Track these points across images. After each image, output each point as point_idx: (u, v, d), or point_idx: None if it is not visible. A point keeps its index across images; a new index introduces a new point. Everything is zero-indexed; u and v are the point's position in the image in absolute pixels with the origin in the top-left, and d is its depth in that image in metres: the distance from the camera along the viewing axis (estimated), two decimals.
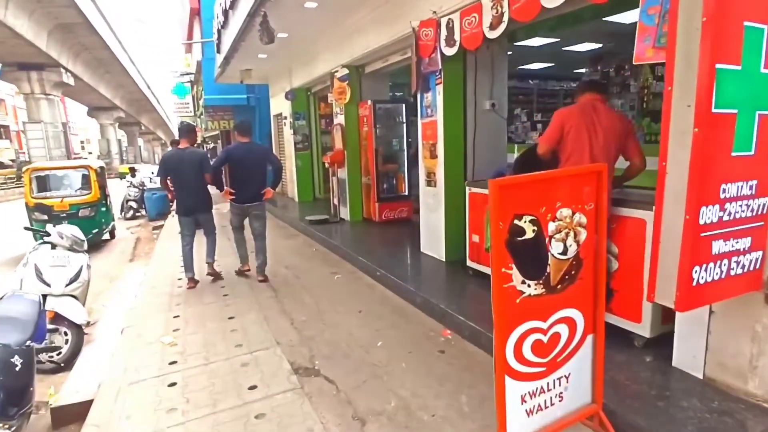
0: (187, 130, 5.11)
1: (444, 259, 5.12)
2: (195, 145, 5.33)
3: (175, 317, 4.33)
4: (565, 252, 2.03)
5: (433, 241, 5.29)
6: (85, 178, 7.97)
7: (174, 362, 3.40)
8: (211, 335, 3.87)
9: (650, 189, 2.46)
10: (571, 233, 2.04)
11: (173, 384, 3.09)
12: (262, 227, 5.18)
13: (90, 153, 50.07)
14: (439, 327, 3.81)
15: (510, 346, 1.96)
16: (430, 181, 5.22)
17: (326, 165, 8.18)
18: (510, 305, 1.94)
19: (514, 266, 1.90)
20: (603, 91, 3.11)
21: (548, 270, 2.00)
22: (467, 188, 4.47)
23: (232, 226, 5.35)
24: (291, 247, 7.02)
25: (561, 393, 2.17)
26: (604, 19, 5.54)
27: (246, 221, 5.24)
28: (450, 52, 4.35)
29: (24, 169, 8.16)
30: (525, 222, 1.89)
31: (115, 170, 26.61)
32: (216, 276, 5.31)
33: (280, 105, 11.19)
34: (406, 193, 7.64)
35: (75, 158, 27.02)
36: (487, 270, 4.33)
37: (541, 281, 1.99)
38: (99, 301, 5.28)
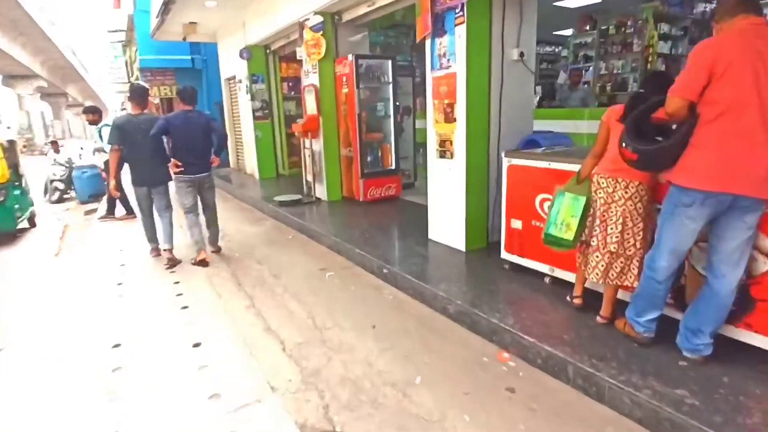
0: (139, 93, 4.60)
1: (464, 249, 4.13)
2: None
3: (114, 347, 3.08)
4: None
5: (447, 227, 4.27)
6: None
7: None
8: (169, 383, 2.69)
9: None
10: None
11: None
12: (214, 197, 4.89)
13: (9, 128, 44.71)
14: (491, 348, 2.82)
15: None
16: (444, 152, 4.15)
17: (297, 135, 6.89)
18: None
19: None
20: (761, 13, 2.13)
21: None
22: (506, 160, 3.45)
23: (183, 209, 4.67)
24: (260, 234, 5.78)
25: None
26: None
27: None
28: None
29: None
30: None
31: (39, 147, 23.47)
32: (176, 263, 4.69)
33: (232, 66, 9.64)
34: (393, 167, 6.54)
35: None
36: (532, 265, 3.38)
37: None
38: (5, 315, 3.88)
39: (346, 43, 6.46)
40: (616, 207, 2.50)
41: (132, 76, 16.05)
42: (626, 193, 2.47)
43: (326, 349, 2.93)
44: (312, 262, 4.58)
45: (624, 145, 2.22)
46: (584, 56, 9.16)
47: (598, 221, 2.57)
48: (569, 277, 3.14)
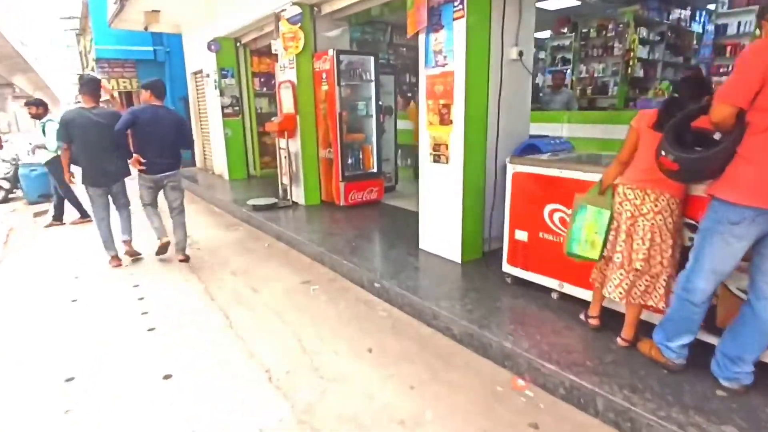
0: (91, 86, 4.29)
1: (460, 261, 3.87)
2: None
3: (67, 381, 2.64)
4: None
5: (442, 237, 4.01)
6: None
7: None
8: (135, 428, 2.29)
9: None
10: None
11: None
12: (181, 198, 4.63)
13: None
14: (504, 375, 2.57)
15: None
16: (439, 156, 3.88)
17: (272, 134, 6.48)
18: None
19: None
20: None
21: None
22: (510, 166, 3.21)
23: (142, 202, 4.55)
24: (233, 242, 5.36)
25: None
26: None
27: (161, 195, 4.63)
28: None
29: None
30: None
31: None
32: (136, 255, 4.68)
33: (199, 59, 9.06)
34: (375, 170, 6.23)
35: None
36: (538, 279, 3.16)
37: None
38: None
39: (324, 37, 6.11)
40: (643, 221, 2.30)
41: (87, 67, 15.05)
42: (656, 206, 2.27)
43: (319, 379, 2.60)
44: (294, 274, 4.22)
45: (663, 153, 2.00)
46: (562, 59, 9.16)
47: (623, 236, 2.35)
48: (580, 293, 2.94)
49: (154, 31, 9.98)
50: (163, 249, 4.56)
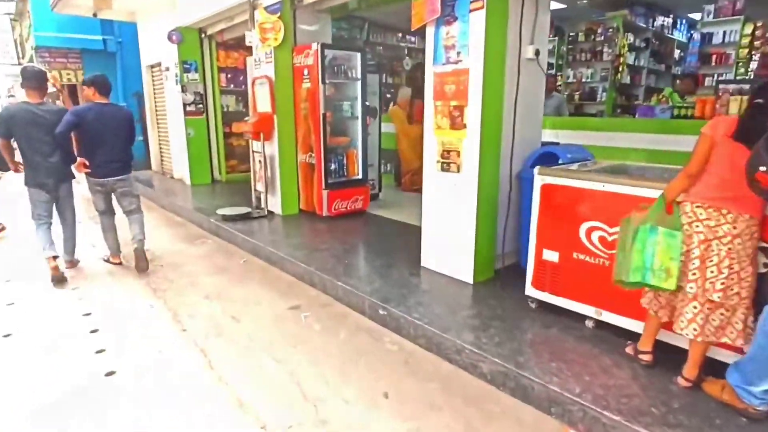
0: (36, 78, 3.96)
1: (471, 281, 3.55)
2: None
3: None
4: None
5: (450, 254, 3.67)
6: None
7: None
8: None
9: None
10: None
11: None
12: (135, 203, 4.42)
13: None
14: (551, 425, 2.24)
15: None
16: (449, 164, 3.55)
17: (245, 136, 5.98)
18: None
19: None
20: None
21: None
22: (539, 177, 2.92)
23: (96, 210, 4.41)
24: (202, 257, 4.82)
25: None
26: None
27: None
28: None
29: None
30: None
31: None
32: (74, 266, 4.41)
33: (157, 51, 8.39)
34: (361, 176, 5.85)
35: None
36: (570, 305, 2.88)
37: None
38: None
39: (304, 31, 5.68)
40: (719, 245, 2.03)
41: (24, 57, 13.88)
42: (734, 228, 2.01)
43: None
44: (279, 298, 3.76)
45: (762, 169, 1.73)
46: (547, 64, 9.09)
47: (697, 262, 2.08)
48: (620, 321, 2.66)
49: (104, 18, 9.19)
50: (115, 264, 4.39)
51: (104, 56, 10.76)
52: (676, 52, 9.49)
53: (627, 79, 8.06)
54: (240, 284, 4.08)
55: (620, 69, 7.58)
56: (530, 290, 3.10)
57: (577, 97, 8.04)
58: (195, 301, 3.72)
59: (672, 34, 9.29)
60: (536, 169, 2.95)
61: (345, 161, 5.73)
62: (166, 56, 8.00)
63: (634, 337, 2.57)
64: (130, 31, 9.66)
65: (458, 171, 3.50)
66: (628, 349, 2.54)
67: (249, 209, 5.74)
